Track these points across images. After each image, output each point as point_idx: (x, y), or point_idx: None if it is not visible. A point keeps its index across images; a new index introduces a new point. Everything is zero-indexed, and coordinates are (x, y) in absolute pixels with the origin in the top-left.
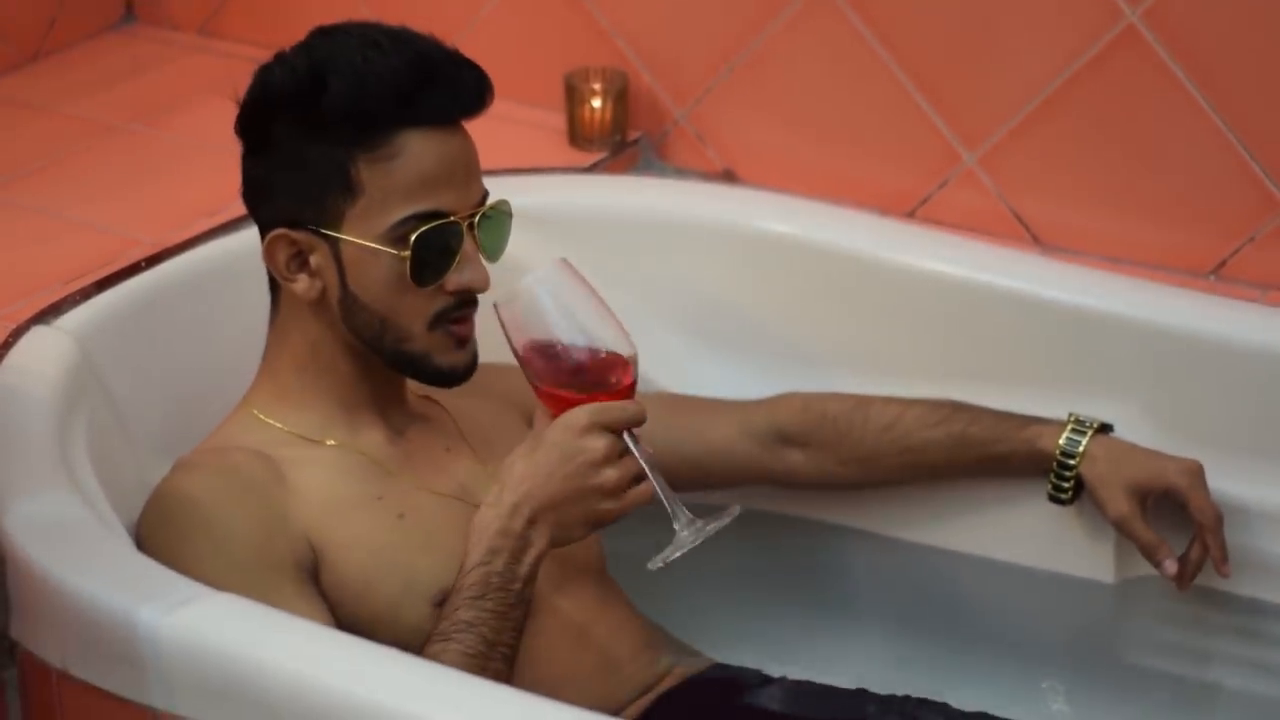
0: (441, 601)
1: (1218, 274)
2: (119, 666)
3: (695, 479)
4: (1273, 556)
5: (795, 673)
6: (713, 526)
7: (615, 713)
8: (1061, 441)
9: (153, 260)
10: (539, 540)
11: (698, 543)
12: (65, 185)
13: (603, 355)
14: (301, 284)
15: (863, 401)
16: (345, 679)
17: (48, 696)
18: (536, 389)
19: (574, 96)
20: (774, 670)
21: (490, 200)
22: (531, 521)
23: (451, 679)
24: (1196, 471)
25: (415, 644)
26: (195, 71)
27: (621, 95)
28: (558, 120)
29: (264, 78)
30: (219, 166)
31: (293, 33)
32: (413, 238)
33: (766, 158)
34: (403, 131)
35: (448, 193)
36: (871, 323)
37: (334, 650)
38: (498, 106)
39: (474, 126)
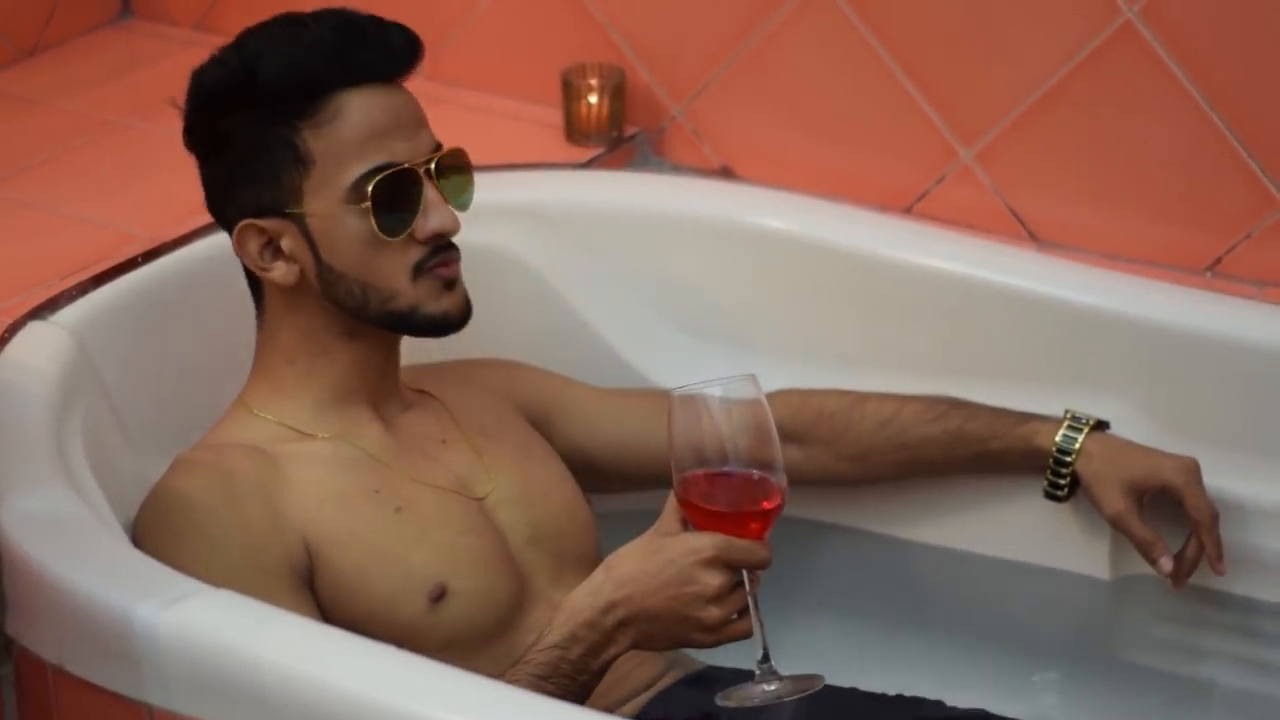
0: (439, 596)
1: (1214, 270)
2: (115, 663)
3: None
4: (1269, 554)
5: (788, 669)
6: (794, 695)
7: (612, 709)
8: (1058, 438)
9: (149, 255)
10: (622, 642)
11: (769, 703)
12: (62, 180)
13: (755, 477)
14: (279, 270)
15: (859, 398)
16: (341, 675)
17: (43, 693)
18: (679, 487)
19: (571, 92)
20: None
21: (445, 150)
22: (623, 624)
23: (448, 675)
24: (1193, 469)
25: (411, 638)
26: (192, 67)
27: (618, 91)
28: (555, 116)
29: (200, 80)
30: None
31: None
32: (369, 188)
33: (763, 154)
34: (340, 93)
35: (398, 143)
36: (868, 319)
37: (330, 646)
38: (495, 102)
39: (471, 124)
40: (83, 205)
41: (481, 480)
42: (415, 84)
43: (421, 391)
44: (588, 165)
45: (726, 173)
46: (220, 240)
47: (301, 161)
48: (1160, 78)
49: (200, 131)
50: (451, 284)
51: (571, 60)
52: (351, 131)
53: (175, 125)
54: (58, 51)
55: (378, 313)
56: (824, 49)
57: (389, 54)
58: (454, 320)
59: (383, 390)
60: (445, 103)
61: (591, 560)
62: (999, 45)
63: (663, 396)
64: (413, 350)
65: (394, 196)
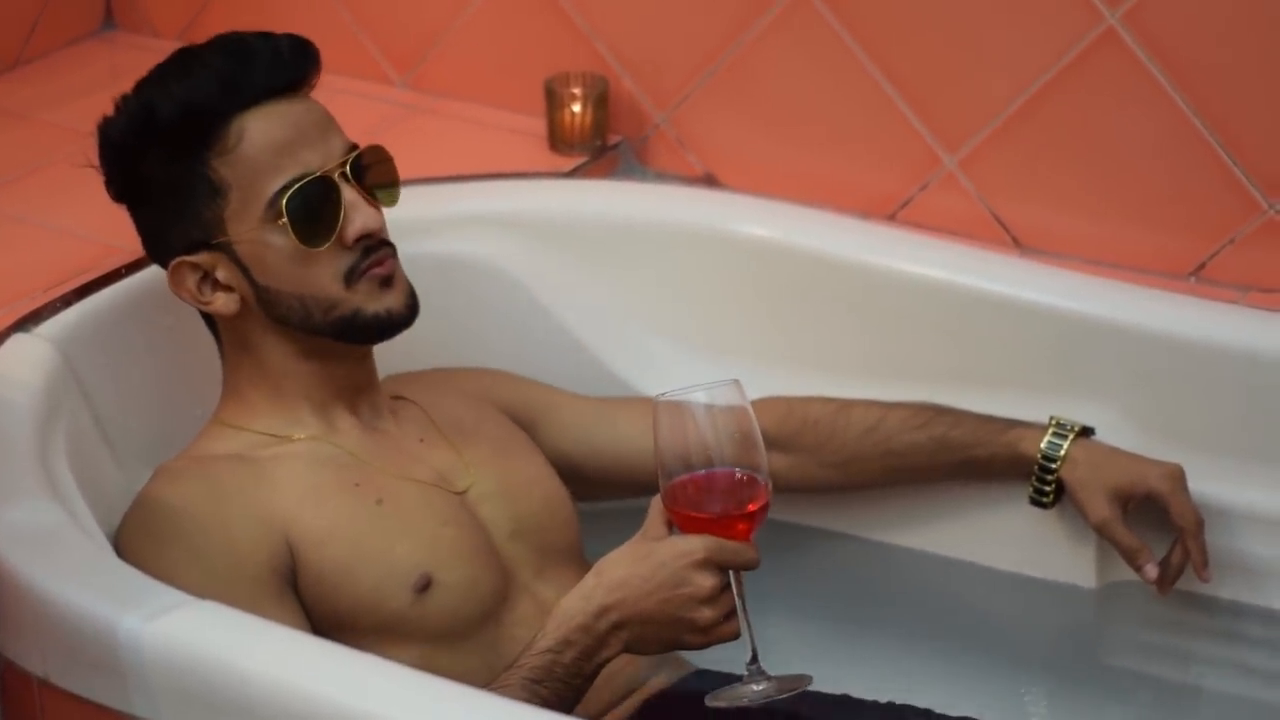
0: (424, 587)
1: (1198, 276)
2: (100, 675)
3: None
4: (1254, 559)
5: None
6: (782, 694)
7: (602, 711)
8: (1043, 445)
9: (133, 267)
10: (614, 645)
11: (759, 703)
12: (45, 193)
13: (740, 478)
14: (219, 301)
15: (844, 405)
16: (327, 686)
17: (30, 705)
18: (666, 493)
19: (554, 101)
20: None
21: (361, 149)
22: (616, 627)
23: (434, 686)
24: (1178, 476)
25: (397, 631)
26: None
27: (602, 100)
28: (538, 125)
29: (106, 132)
30: None
31: None
32: (283, 203)
33: (747, 162)
34: (238, 117)
35: (306, 153)
36: (852, 326)
37: (316, 657)
38: (478, 111)
39: (454, 133)
40: (66, 217)
41: (461, 475)
42: (399, 93)
43: (400, 398)
44: (571, 174)
45: (710, 181)
46: None
47: (217, 191)
48: (1143, 83)
49: (120, 181)
50: (388, 280)
51: (555, 69)
52: (257, 152)
53: None
54: (41, 64)
55: (323, 323)
56: (807, 57)
57: (279, 68)
58: (398, 317)
59: (356, 392)
60: (429, 112)
61: (574, 553)
62: (982, 52)
63: (648, 405)
64: (395, 364)
65: (311, 207)
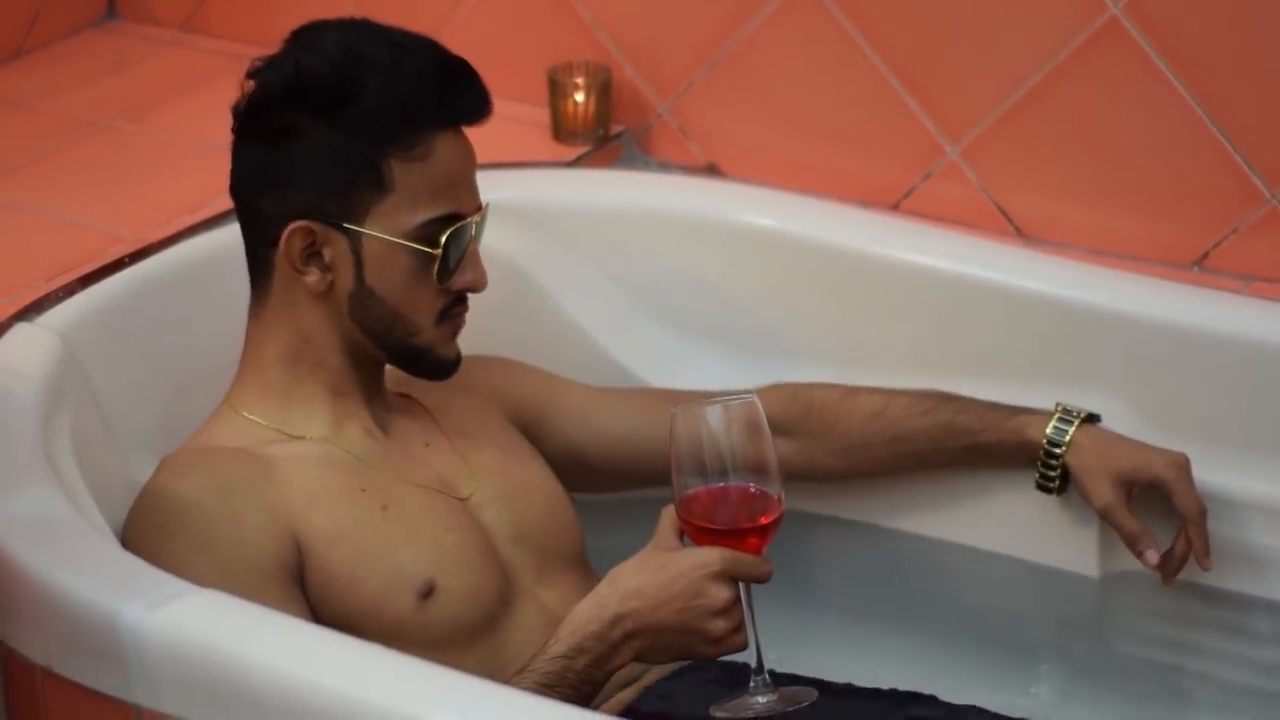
0: (427, 593)
1: (1201, 266)
2: (103, 664)
3: None
4: (1257, 549)
5: (781, 665)
6: (787, 707)
7: (599, 704)
8: (1048, 431)
9: (136, 256)
10: (626, 653)
11: (763, 715)
12: (48, 182)
13: (753, 491)
14: (312, 277)
15: (849, 391)
16: (329, 675)
17: (32, 694)
18: (680, 503)
19: (557, 91)
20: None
21: (487, 205)
22: (629, 636)
23: (439, 675)
24: (1183, 464)
25: (399, 636)
26: (177, 68)
27: (604, 89)
28: (541, 115)
29: (298, 73)
30: (202, 162)
31: (274, 28)
32: (443, 238)
33: (750, 151)
34: (436, 133)
35: (465, 195)
36: (856, 316)
37: (318, 646)
38: None
39: None
40: (69, 207)
41: (465, 481)
42: None
43: (405, 395)
44: (574, 164)
45: (713, 170)
46: (206, 241)
47: (380, 186)
48: (1146, 73)
49: (271, 117)
50: (457, 333)
51: (557, 59)
52: (436, 174)
53: (161, 126)
54: (43, 53)
55: (396, 343)
56: (810, 46)
57: (478, 102)
58: (452, 368)
59: (370, 394)
60: None
61: (576, 558)
62: (985, 41)
63: (652, 395)
64: None
65: (457, 247)
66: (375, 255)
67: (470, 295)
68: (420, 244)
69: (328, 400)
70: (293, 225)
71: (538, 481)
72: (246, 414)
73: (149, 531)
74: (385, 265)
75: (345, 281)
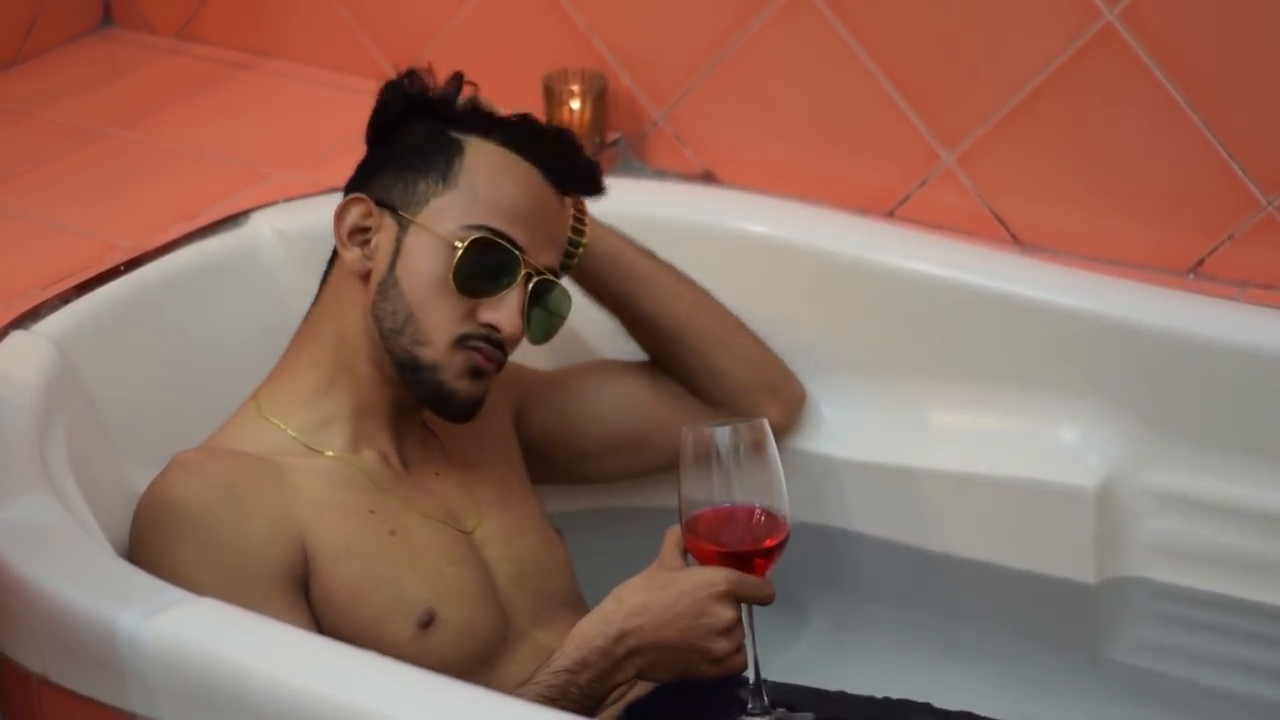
0: (427, 623)
1: (1197, 272)
2: (99, 672)
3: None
4: (1254, 554)
5: (775, 675)
6: None
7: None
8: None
9: (131, 264)
10: (629, 670)
11: None
12: (44, 190)
13: (759, 514)
14: (353, 254)
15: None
16: (326, 684)
17: (29, 702)
18: (686, 523)
19: (553, 98)
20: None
21: (557, 278)
22: (633, 653)
23: (437, 685)
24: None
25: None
26: (173, 75)
27: (600, 97)
28: None
29: (413, 99)
30: (197, 170)
31: (270, 36)
32: (470, 238)
33: (745, 158)
34: (518, 154)
35: (525, 233)
36: (851, 323)
37: (315, 655)
38: None
39: None
40: (65, 214)
41: (470, 515)
42: None
43: (425, 427)
44: None
45: (709, 177)
46: (202, 249)
47: (445, 179)
48: (1141, 80)
49: (393, 122)
50: (480, 374)
51: (553, 66)
52: (501, 191)
53: (156, 134)
54: (39, 61)
55: (402, 349)
56: (806, 53)
57: (574, 169)
58: (461, 405)
59: (392, 421)
60: None
61: (570, 598)
62: (980, 48)
63: (600, 363)
64: None
65: (484, 261)
66: (412, 247)
67: (505, 346)
68: (452, 239)
69: (351, 418)
70: (354, 195)
71: (532, 520)
72: (270, 417)
73: (154, 534)
74: (415, 258)
75: (379, 270)
